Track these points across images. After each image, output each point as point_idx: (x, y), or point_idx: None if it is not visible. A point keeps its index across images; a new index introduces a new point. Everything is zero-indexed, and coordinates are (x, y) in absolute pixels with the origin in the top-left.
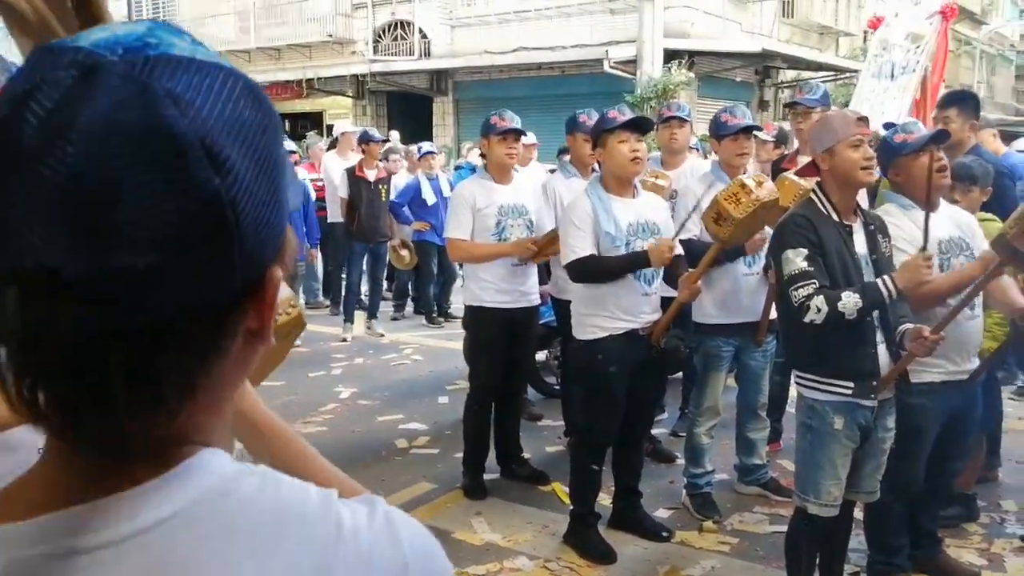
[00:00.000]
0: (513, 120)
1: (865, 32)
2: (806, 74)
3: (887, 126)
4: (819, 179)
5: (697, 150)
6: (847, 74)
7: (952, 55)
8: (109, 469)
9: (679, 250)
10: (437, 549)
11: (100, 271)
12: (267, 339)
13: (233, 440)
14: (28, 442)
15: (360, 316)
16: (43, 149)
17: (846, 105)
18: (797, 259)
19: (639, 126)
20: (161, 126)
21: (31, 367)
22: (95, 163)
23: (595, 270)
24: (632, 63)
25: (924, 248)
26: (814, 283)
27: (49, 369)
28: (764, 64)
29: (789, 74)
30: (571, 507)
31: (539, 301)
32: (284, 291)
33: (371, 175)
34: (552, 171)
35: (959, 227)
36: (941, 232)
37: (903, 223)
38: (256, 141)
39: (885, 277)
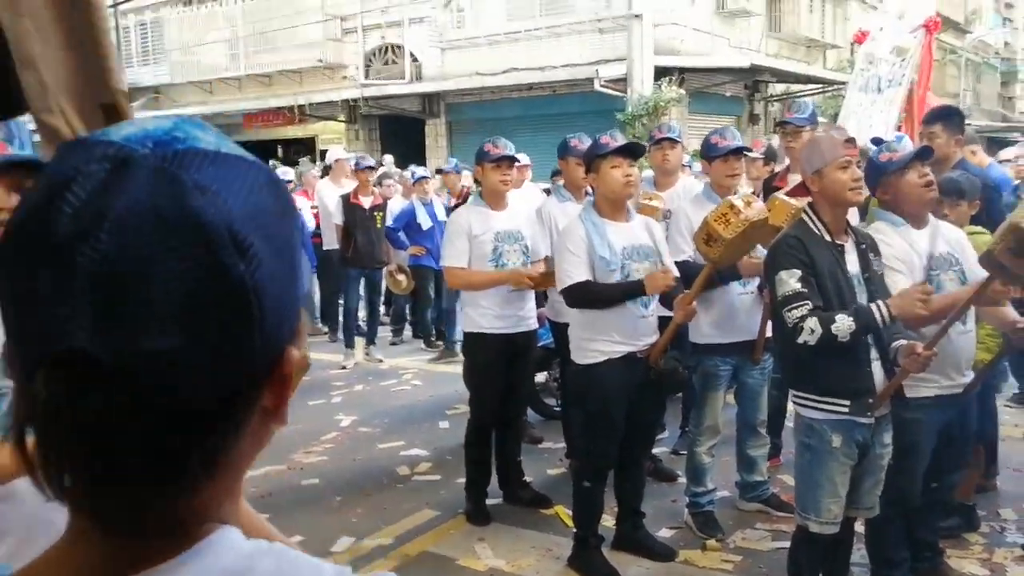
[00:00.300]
0: (507, 147)
1: (852, 44)
2: (795, 87)
3: (875, 141)
4: (811, 199)
5: (689, 167)
6: (835, 86)
7: (938, 64)
8: (131, 547)
9: (675, 273)
10: None
11: (129, 353)
12: (283, 418)
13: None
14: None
15: (359, 342)
16: (77, 237)
17: (835, 117)
18: (791, 280)
19: (632, 151)
20: (190, 215)
21: (58, 446)
22: (127, 250)
23: (591, 296)
24: (623, 81)
25: (923, 282)
26: (808, 304)
27: (75, 448)
28: (753, 79)
29: (778, 88)
30: (574, 530)
31: (537, 325)
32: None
33: (366, 202)
34: (546, 190)
35: (948, 242)
36: (931, 249)
37: (894, 241)
38: (276, 228)
39: (880, 303)
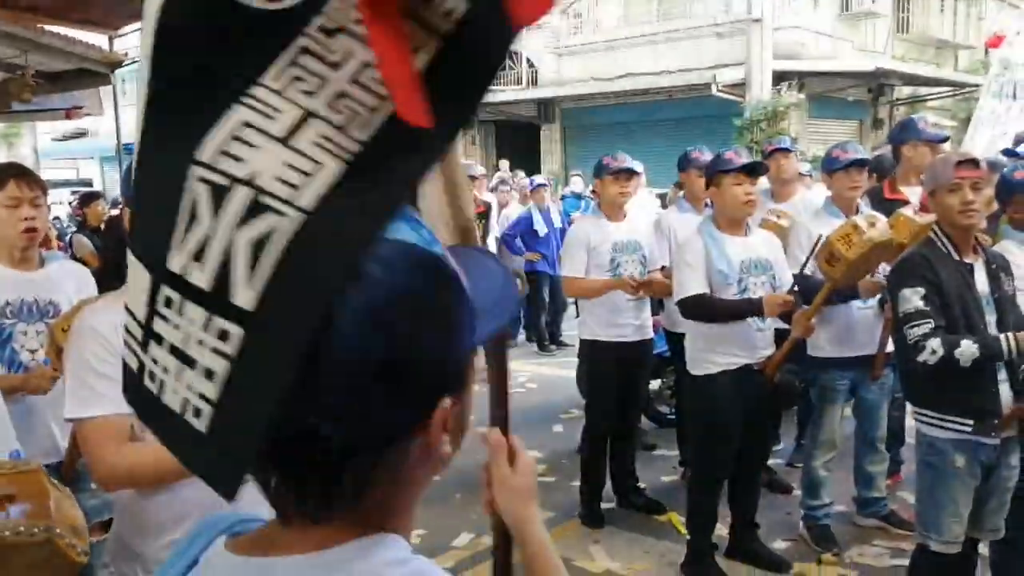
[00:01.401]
0: (626, 160)
1: (986, 48)
2: (923, 90)
3: (1008, 153)
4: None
5: (811, 176)
6: (967, 89)
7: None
8: (314, 535)
9: (789, 285)
10: None
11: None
12: (433, 459)
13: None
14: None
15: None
16: None
17: (967, 121)
18: (914, 298)
19: (754, 170)
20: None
21: (272, 470)
22: None
23: (707, 310)
24: (741, 86)
25: None
26: (930, 323)
27: (285, 473)
28: (878, 82)
29: (905, 91)
30: (688, 537)
31: (652, 333)
32: None
33: None
34: (661, 196)
35: None
36: None
37: (1023, 262)
38: (421, 305)
39: (1010, 335)
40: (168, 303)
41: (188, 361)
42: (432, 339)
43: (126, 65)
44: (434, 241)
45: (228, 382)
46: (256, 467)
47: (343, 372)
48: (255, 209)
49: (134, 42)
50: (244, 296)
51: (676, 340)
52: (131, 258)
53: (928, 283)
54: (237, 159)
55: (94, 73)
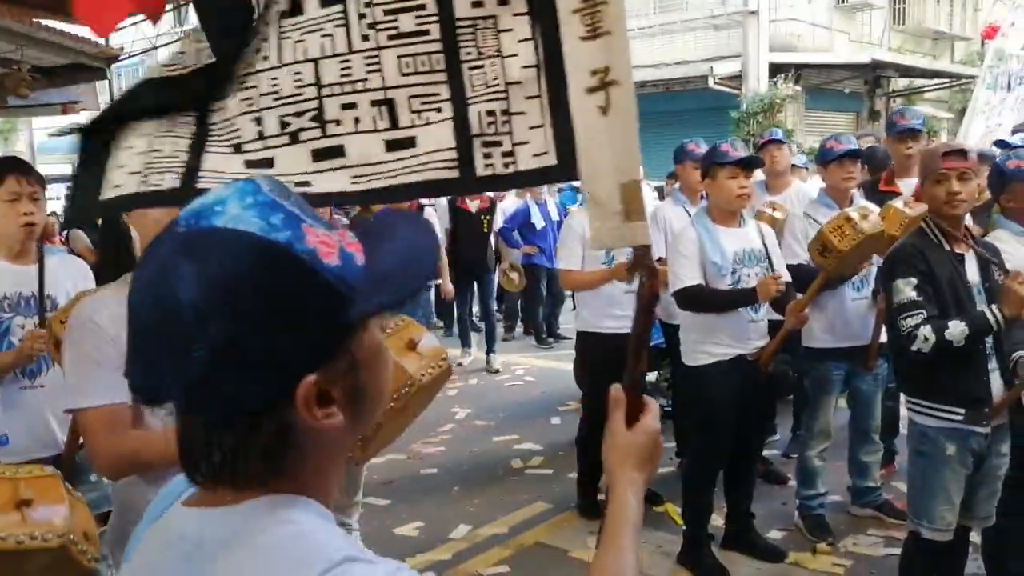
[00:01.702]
0: None
1: (983, 37)
2: (919, 82)
3: (1000, 144)
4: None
5: (807, 168)
6: (963, 80)
7: None
8: (227, 495)
9: (787, 277)
10: None
11: (148, 387)
12: (330, 431)
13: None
14: None
15: (475, 339)
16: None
17: (963, 112)
18: (906, 288)
19: (750, 164)
20: (164, 293)
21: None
22: (134, 315)
23: (702, 301)
24: (737, 78)
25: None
26: (922, 313)
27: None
28: (874, 74)
29: (901, 83)
30: (684, 528)
31: None
32: (434, 344)
33: (472, 206)
34: (658, 188)
35: None
36: None
37: (1016, 250)
38: (249, 295)
39: (993, 306)
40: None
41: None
42: (270, 321)
43: (122, 60)
44: (285, 227)
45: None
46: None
47: (191, 351)
48: None
49: (130, 37)
50: (527, 56)
51: (672, 332)
52: None
53: (920, 273)
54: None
55: (90, 68)
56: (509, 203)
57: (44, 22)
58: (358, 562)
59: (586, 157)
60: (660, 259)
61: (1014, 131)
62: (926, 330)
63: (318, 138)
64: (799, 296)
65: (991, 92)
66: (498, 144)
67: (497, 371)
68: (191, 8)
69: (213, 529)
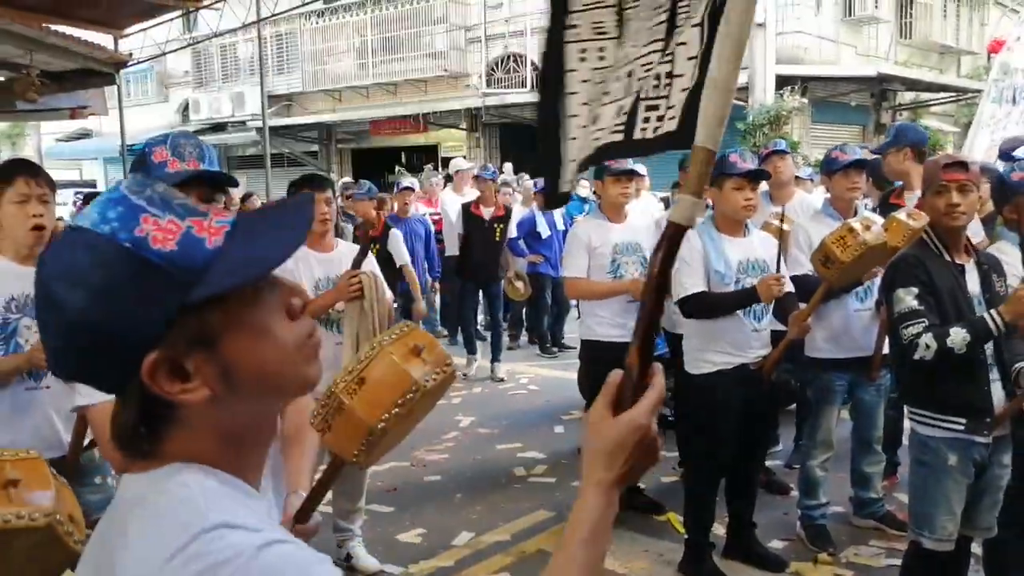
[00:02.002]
0: (626, 161)
1: (989, 51)
2: (925, 96)
3: (1004, 157)
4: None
5: (812, 180)
6: (969, 94)
7: None
8: (135, 463)
9: (789, 286)
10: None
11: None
12: (199, 406)
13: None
14: None
15: (481, 347)
16: None
17: (968, 126)
18: (907, 298)
19: (756, 176)
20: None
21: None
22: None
23: (706, 306)
24: (744, 90)
25: None
26: (924, 322)
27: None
28: (881, 87)
29: (907, 96)
30: (686, 536)
31: None
32: (438, 349)
33: (487, 213)
34: (664, 200)
35: None
36: None
37: (1018, 262)
38: (88, 279)
39: (992, 311)
40: None
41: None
42: (99, 306)
43: (131, 65)
44: (116, 219)
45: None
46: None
47: (52, 338)
48: None
49: (139, 43)
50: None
51: (676, 342)
52: None
53: (921, 283)
54: None
55: (99, 73)
56: (515, 212)
57: (54, 27)
58: (238, 529)
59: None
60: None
61: (1005, 147)
62: (927, 338)
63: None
64: (802, 306)
65: (996, 106)
66: (655, 108)
67: (502, 380)
68: (200, 15)
69: (129, 492)
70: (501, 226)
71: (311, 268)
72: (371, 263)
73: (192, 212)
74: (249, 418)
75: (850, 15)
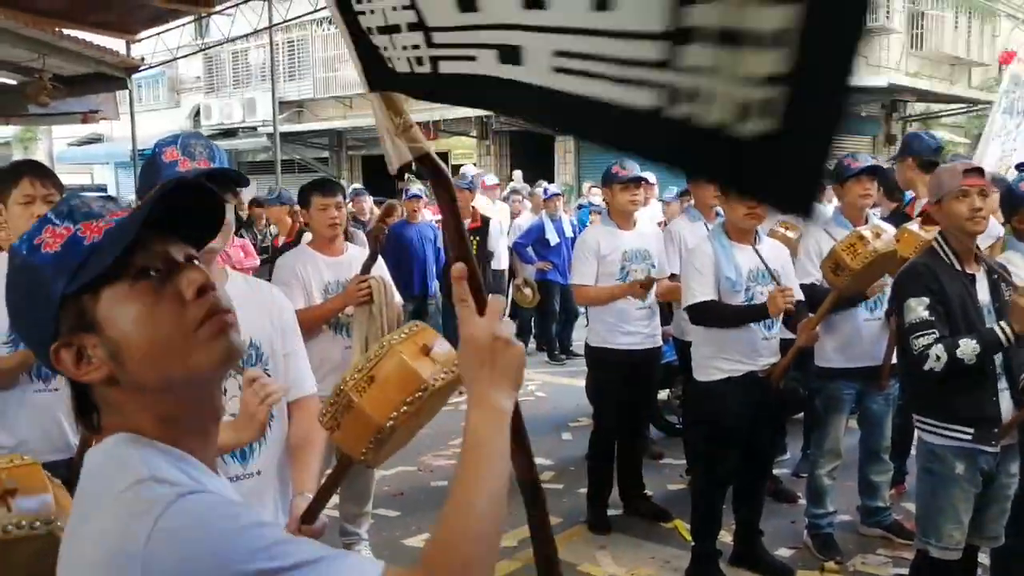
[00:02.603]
0: (634, 168)
1: (999, 63)
2: (936, 107)
3: (1021, 167)
4: (940, 229)
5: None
6: (980, 106)
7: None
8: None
9: (799, 295)
10: (199, 549)
11: None
12: (97, 381)
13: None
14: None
15: None
16: None
17: (979, 137)
18: (919, 308)
19: None
20: None
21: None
22: None
23: (714, 316)
24: None
25: None
26: (934, 332)
27: None
28: (891, 98)
29: (918, 107)
30: (693, 544)
31: (661, 342)
32: (446, 350)
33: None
34: (664, 200)
35: None
36: None
37: None
38: (7, 289)
39: (1002, 323)
40: None
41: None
42: (16, 307)
43: (143, 70)
44: (27, 235)
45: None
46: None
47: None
48: None
49: (151, 48)
50: None
51: (685, 348)
52: None
53: (932, 293)
54: None
55: (111, 77)
56: (524, 219)
57: (66, 31)
58: (164, 483)
59: None
60: (673, 275)
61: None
62: (938, 349)
63: None
64: (811, 315)
65: (1007, 117)
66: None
67: None
68: (212, 21)
69: (87, 461)
70: (477, 239)
71: (320, 272)
72: (381, 268)
73: (92, 216)
74: (177, 400)
75: None
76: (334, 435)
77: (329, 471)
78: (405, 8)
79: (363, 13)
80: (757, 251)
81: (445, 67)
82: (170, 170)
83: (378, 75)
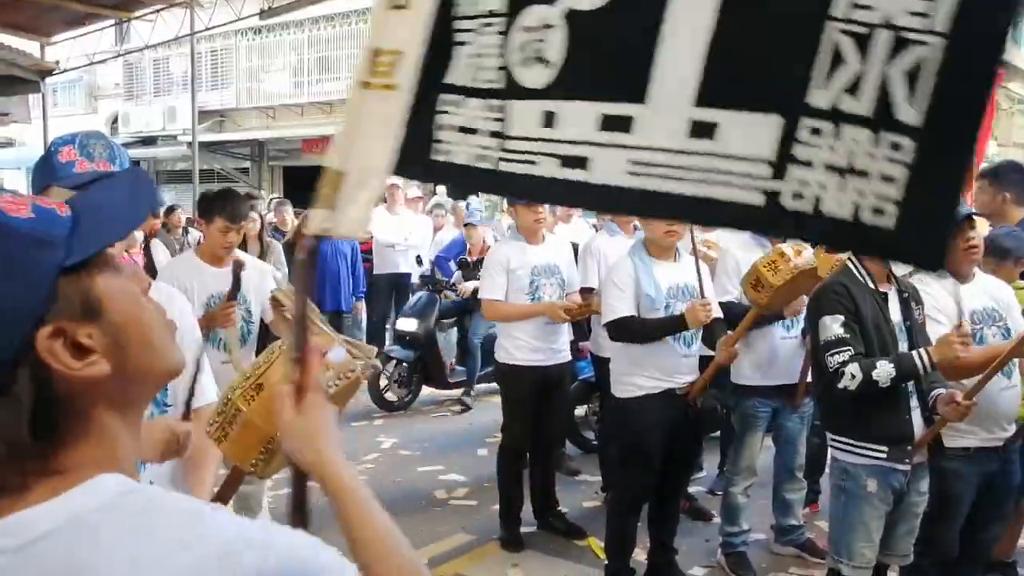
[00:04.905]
0: None
1: None
2: None
3: None
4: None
5: None
6: None
7: (1005, 114)
8: (30, 490)
9: (717, 312)
10: (309, 555)
11: None
12: (80, 381)
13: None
14: None
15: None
16: None
17: None
18: (834, 325)
19: None
20: None
21: None
22: None
23: (633, 331)
24: None
25: (960, 325)
26: (850, 350)
27: None
28: None
29: None
30: (606, 562)
31: (570, 358)
32: (341, 356)
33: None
34: (595, 226)
35: (993, 298)
36: (975, 303)
37: (935, 291)
38: None
39: (921, 351)
40: (816, 132)
41: (858, 172)
42: None
43: (57, 74)
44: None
45: (909, 183)
46: None
47: None
48: (899, 45)
49: (67, 52)
50: (908, 114)
51: (602, 365)
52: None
53: (847, 311)
54: (867, 8)
55: (23, 80)
56: (447, 233)
57: None
58: (252, 547)
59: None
60: (592, 290)
61: None
62: (853, 368)
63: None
64: (730, 332)
65: None
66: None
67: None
68: (133, 27)
69: (37, 529)
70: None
71: (205, 284)
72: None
73: (31, 196)
74: (132, 407)
75: None
76: (222, 446)
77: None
78: (495, 120)
79: (445, 112)
80: (697, 268)
81: (505, 167)
82: (66, 171)
83: (415, 158)
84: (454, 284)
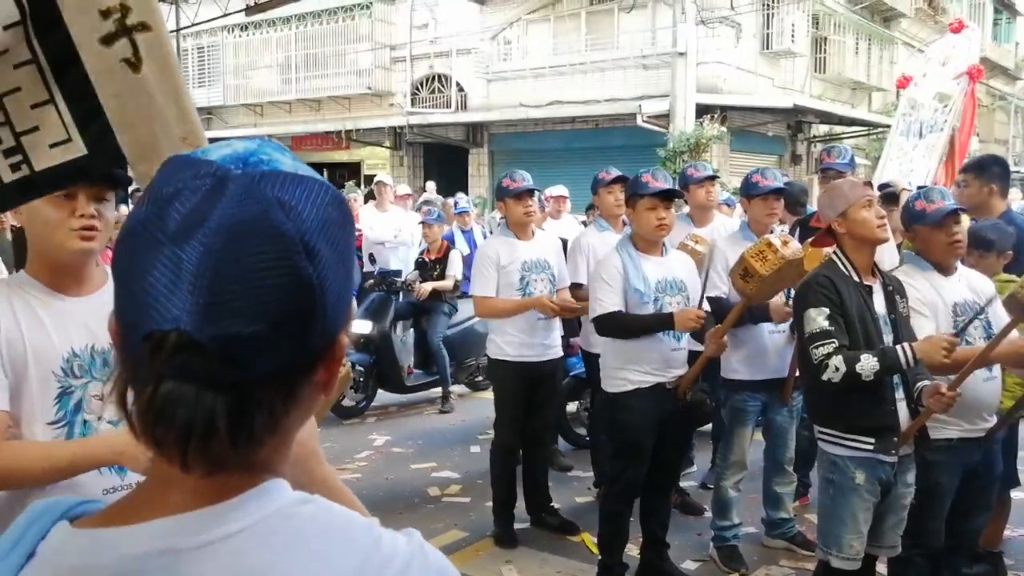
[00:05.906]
0: (525, 179)
1: (897, 87)
2: (838, 128)
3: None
4: (836, 244)
5: (729, 205)
6: (879, 129)
7: (986, 110)
8: (208, 488)
9: (704, 306)
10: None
11: (223, 337)
12: (331, 390)
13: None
14: (91, 485)
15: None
16: (183, 237)
17: (878, 159)
18: (819, 318)
19: (669, 196)
20: (271, 227)
21: (155, 408)
22: (220, 253)
23: (620, 326)
24: (665, 117)
25: (956, 335)
26: (834, 342)
27: (169, 411)
28: (796, 119)
29: (822, 128)
30: (599, 557)
31: (561, 354)
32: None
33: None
34: (584, 223)
35: (975, 292)
36: (956, 296)
37: (920, 285)
38: (339, 237)
39: (905, 345)
40: None
41: None
42: (344, 263)
43: None
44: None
45: None
46: (146, 416)
47: (287, 288)
48: None
49: None
50: None
51: (593, 360)
52: None
53: (832, 303)
54: None
55: None
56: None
57: None
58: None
59: (128, 133)
60: (581, 285)
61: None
62: (837, 360)
63: None
64: (718, 326)
65: (904, 138)
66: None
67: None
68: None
69: (211, 533)
70: (441, 267)
71: None
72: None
73: None
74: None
75: (768, 48)
76: None
77: None
78: None
79: None
80: (699, 269)
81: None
82: None
83: None
84: (409, 284)
